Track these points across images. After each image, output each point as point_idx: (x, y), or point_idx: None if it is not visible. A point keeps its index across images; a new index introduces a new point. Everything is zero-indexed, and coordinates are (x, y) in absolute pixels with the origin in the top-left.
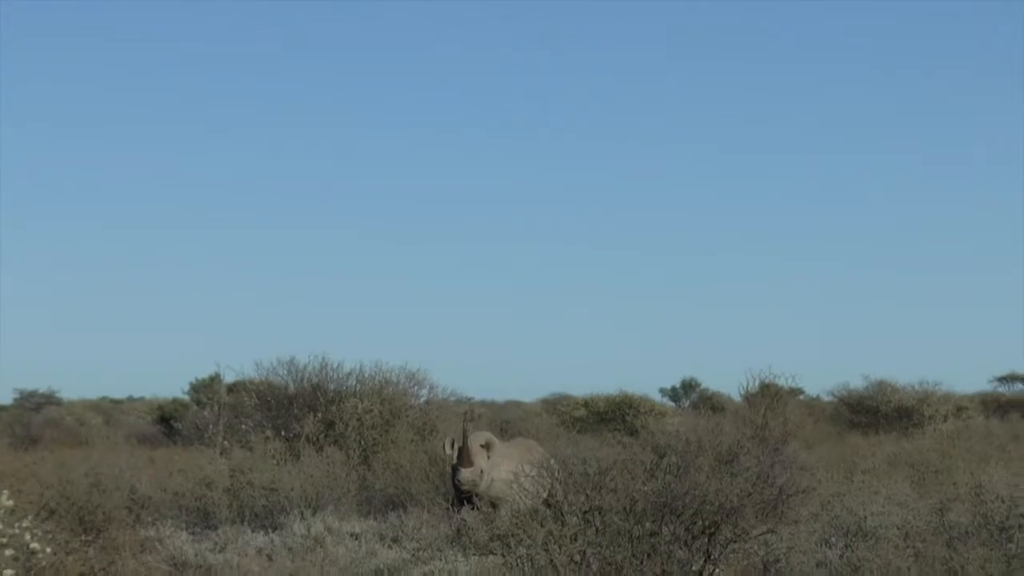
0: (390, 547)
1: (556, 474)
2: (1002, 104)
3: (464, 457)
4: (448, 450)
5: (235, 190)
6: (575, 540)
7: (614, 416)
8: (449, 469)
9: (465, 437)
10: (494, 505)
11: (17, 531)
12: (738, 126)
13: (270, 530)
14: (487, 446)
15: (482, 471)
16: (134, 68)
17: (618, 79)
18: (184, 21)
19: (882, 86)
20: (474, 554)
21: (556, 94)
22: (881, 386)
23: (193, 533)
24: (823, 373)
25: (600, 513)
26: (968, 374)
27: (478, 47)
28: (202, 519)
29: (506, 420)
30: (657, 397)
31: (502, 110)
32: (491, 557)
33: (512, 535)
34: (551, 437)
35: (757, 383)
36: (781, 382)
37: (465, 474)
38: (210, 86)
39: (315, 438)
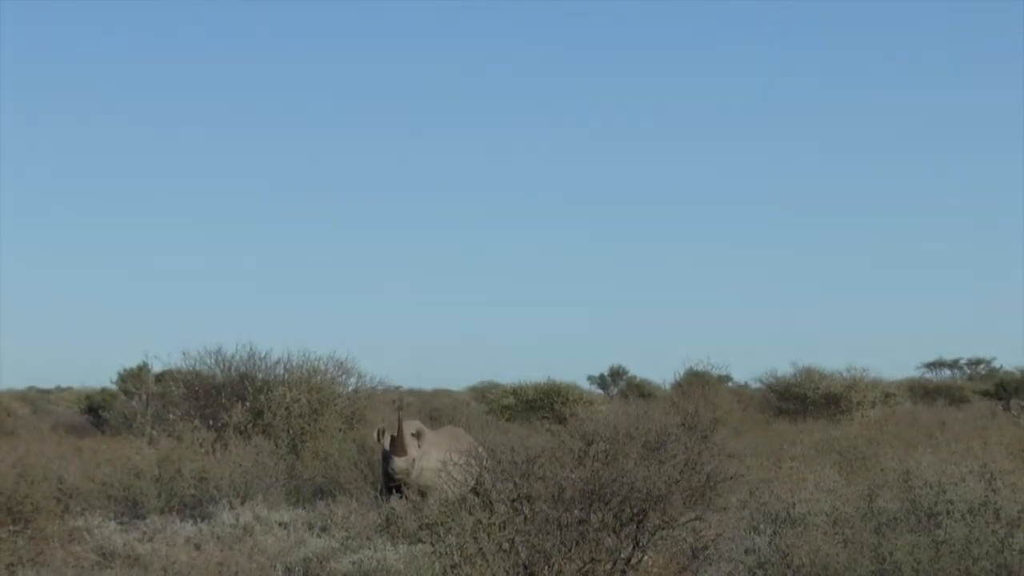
0: (319, 536)
1: (484, 462)
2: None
3: (398, 446)
4: (380, 439)
5: (165, 176)
6: (504, 528)
7: (542, 404)
8: (380, 458)
9: (400, 426)
10: (423, 494)
11: None
12: (671, 103)
13: (199, 520)
14: (417, 434)
15: (414, 459)
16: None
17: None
18: None
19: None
20: (403, 543)
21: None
22: (809, 373)
23: (121, 523)
24: (751, 360)
25: (529, 501)
26: (895, 361)
27: None
28: (130, 509)
29: (435, 408)
30: (585, 385)
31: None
32: (420, 545)
33: (441, 524)
34: (480, 425)
35: (686, 370)
36: (710, 369)
37: (399, 463)
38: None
39: (243, 427)
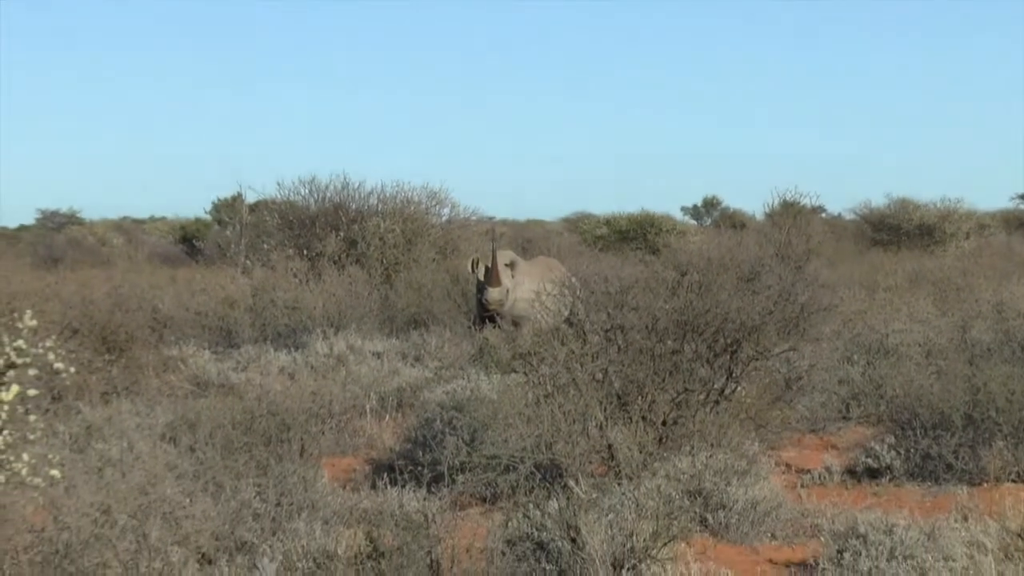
0: (412, 366)
1: (578, 293)
2: None
3: (492, 276)
4: (474, 269)
5: (252, 23)
6: (597, 359)
7: (635, 235)
8: (473, 288)
9: (494, 257)
10: (516, 324)
11: (40, 351)
12: None
13: (292, 349)
14: (511, 265)
15: (507, 290)
16: None
17: None
18: None
19: None
20: (496, 373)
21: None
22: (903, 204)
23: (216, 352)
24: (845, 191)
25: (622, 331)
26: (990, 191)
27: None
28: (224, 338)
29: (527, 239)
30: (679, 215)
31: None
32: (513, 375)
33: (534, 354)
34: (572, 256)
35: (780, 201)
36: (804, 200)
37: (493, 293)
38: None
39: (337, 257)
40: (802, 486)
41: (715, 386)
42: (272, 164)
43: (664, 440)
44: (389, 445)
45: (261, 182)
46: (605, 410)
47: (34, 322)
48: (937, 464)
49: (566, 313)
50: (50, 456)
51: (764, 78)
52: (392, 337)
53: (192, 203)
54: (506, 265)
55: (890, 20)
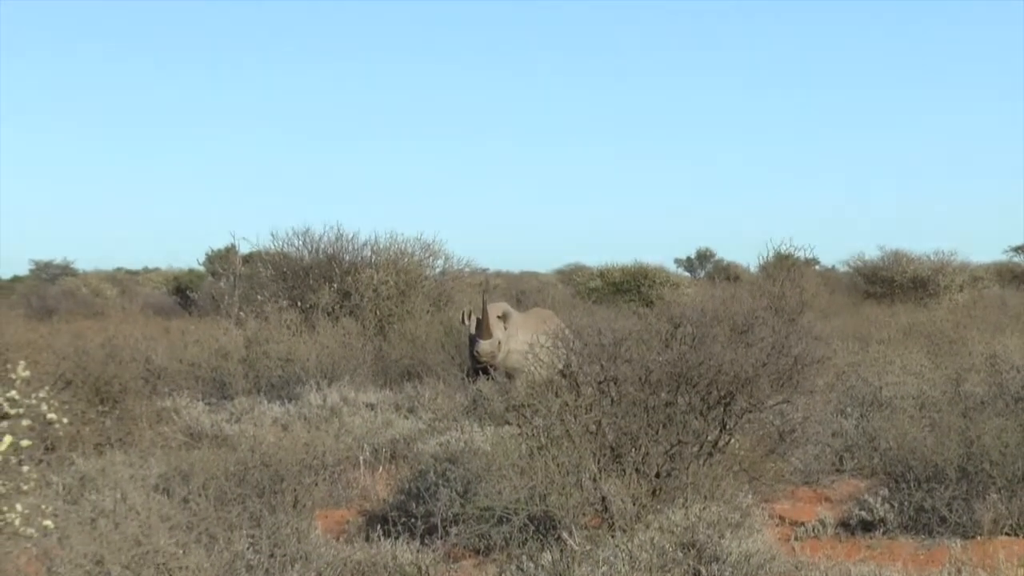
0: (406, 417)
1: (571, 344)
2: None
3: (484, 328)
4: (466, 321)
5: (251, 64)
6: (590, 410)
7: (629, 287)
8: (466, 340)
9: (484, 309)
10: (510, 376)
11: (34, 401)
12: None
13: (286, 400)
14: (503, 317)
15: (500, 342)
16: None
17: None
18: None
19: None
20: (490, 424)
21: None
22: (897, 256)
23: (209, 404)
24: (839, 244)
25: (615, 383)
26: (983, 244)
27: None
28: (218, 390)
29: (521, 291)
30: (672, 268)
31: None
32: (507, 427)
33: (528, 405)
34: (566, 308)
35: (773, 253)
36: (797, 253)
37: (484, 345)
38: None
39: (331, 309)
40: (796, 539)
41: (708, 438)
42: (266, 215)
43: (658, 492)
44: (382, 497)
45: (255, 233)
46: (599, 462)
47: (27, 373)
48: (931, 517)
49: (560, 365)
50: (43, 507)
51: (757, 130)
52: (386, 388)
53: (186, 254)
54: (498, 317)
55: (883, 72)
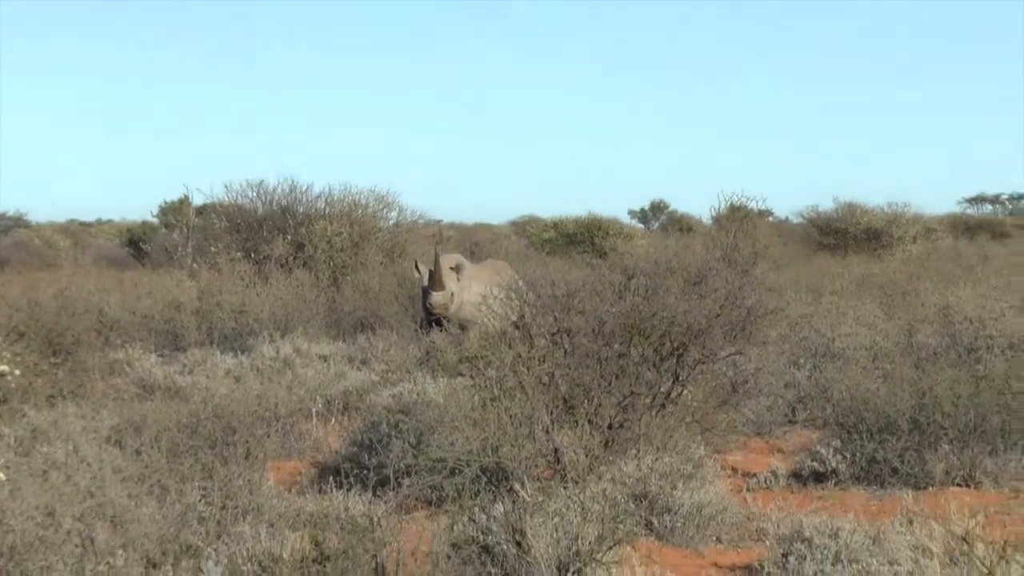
0: (359, 369)
1: (525, 296)
2: None
3: (436, 280)
4: (418, 272)
5: (208, 12)
6: (543, 362)
7: (583, 238)
8: (419, 292)
9: (437, 260)
10: (463, 327)
11: None
12: None
13: (239, 352)
14: (457, 268)
15: (452, 294)
16: None
17: None
18: None
19: None
20: (443, 376)
21: None
22: (850, 208)
23: (162, 355)
24: (793, 194)
25: (568, 335)
26: (937, 196)
27: None
28: (171, 341)
29: (475, 242)
30: (626, 219)
31: None
32: (460, 379)
33: (481, 357)
34: (520, 259)
35: (726, 204)
36: (751, 204)
37: (437, 297)
38: None
39: (284, 260)
40: (748, 490)
41: (661, 389)
42: (221, 167)
43: (610, 444)
44: (335, 448)
45: (209, 185)
46: (551, 413)
47: None
48: (883, 468)
49: (513, 317)
50: None
51: (711, 82)
52: (339, 340)
53: (139, 206)
54: (451, 268)
55: (843, 23)
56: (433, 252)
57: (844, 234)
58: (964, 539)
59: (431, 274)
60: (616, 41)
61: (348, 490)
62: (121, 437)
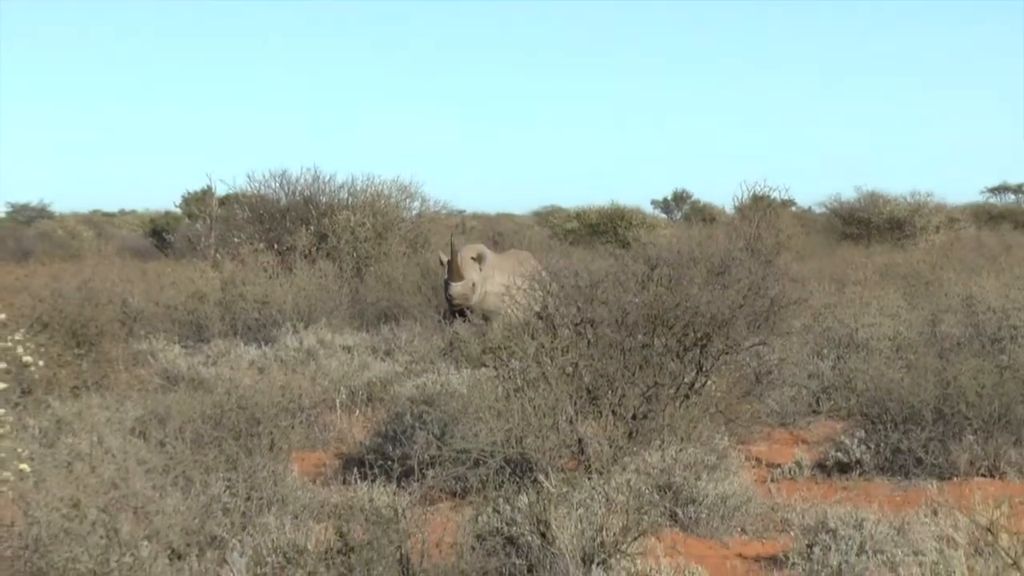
0: (383, 360)
1: (548, 286)
2: None
3: (454, 271)
4: (441, 263)
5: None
6: (567, 352)
7: (606, 228)
8: (442, 282)
9: (453, 250)
10: (486, 318)
11: (9, 344)
12: None
13: (263, 343)
14: (479, 258)
15: (474, 284)
16: None
17: None
18: None
19: None
20: (466, 367)
21: None
22: (873, 197)
23: (186, 346)
24: (815, 184)
25: (592, 325)
26: (960, 185)
27: None
28: (195, 332)
29: (498, 232)
30: (649, 209)
31: None
32: (483, 370)
33: (504, 348)
34: (543, 249)
35: (750, 194)
36: (774, 194)
37: (456, 287)
38: None
39: (308, 251)
40: (772, 480)
41: (685, 380)
42: (244, 157)
43: (634, 434)
44: (359, 439)
45: (232, 175)
46: (575, 404)
47: (3, 315)
48: (907, 458)
49: (537, 307)
50: (19, 450)
51: (733, 72)
52: (362, 331)
53: (162, 196)
54: (473, 258)
55: (861, 14)
56: (451, 242)
57: (867, 224)
58: (989, 529)
59: (449, 264)
60: (638, 30)
61: (372, 481)
62: (145, 428)
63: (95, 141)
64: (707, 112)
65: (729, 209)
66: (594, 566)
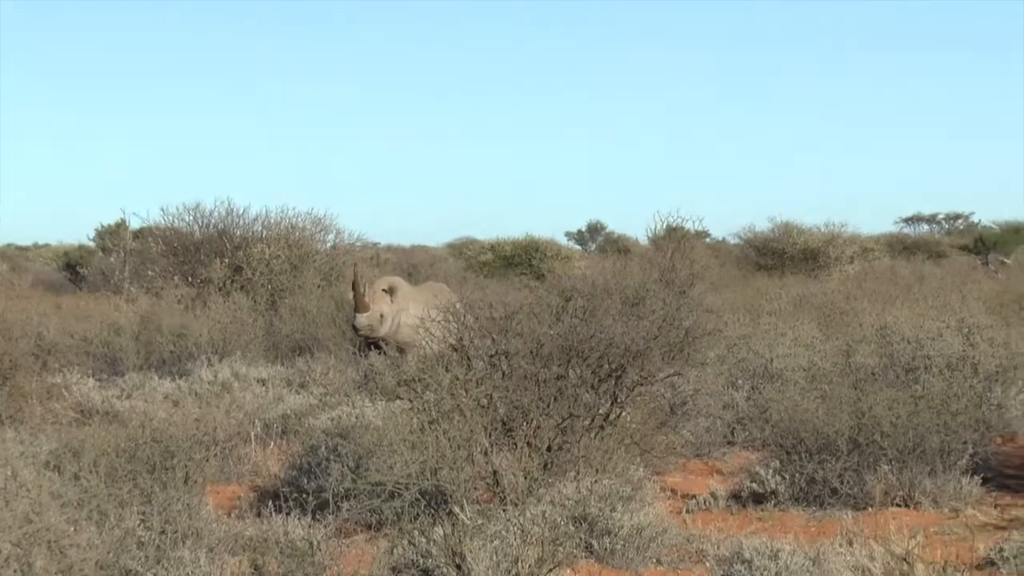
0: (297, 392)
1: (463, 318)
2: None
3: (359, 302)
4: (351, 295)
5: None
6: (481, 384)
7: (520, 260)
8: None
9: (356, 282)
10: (401, 350)
11: None
12: None
13: (177, 376)
14: (391, 290)
15: (382, 315)
16: None
17: None
18: None
19: None
20: (381, 399)
21: None
22: (787, 228)
23: (100, 380)
24: (729, 216)
25: (507, 357)
26: (874, 216)
27: None
28: (109, 366)
29: (413, 264)
30: (563, 241)
31: None
32: (398, 402)
33: (419, 380)
34: (458, 281)
35: (663, 225)
36: (687, 224)
37: (361, 319)
38: None
39: (222, 284)
40: (687, 511)
41: (600, 411)
42: (158, 190)
43: (549, 466)
44: (274, 472)
45: (145, 208)
46: (490, 436)
47: None
48: (822, 488)
49: (452, 339)
50: None
51: (647, 102)
52: (277, 363)
53: (76, 230)
54: (384, 290)
55: (773, 45)
56: (368, 275)
57: (781, 255)
58: (904, 559)
59: (355, 295)
60: (548, 60)
61: (287, 514)
62: (59, 462)
63: (6, 174)
64: (620, 143)
65: (643, 240)
66: None
